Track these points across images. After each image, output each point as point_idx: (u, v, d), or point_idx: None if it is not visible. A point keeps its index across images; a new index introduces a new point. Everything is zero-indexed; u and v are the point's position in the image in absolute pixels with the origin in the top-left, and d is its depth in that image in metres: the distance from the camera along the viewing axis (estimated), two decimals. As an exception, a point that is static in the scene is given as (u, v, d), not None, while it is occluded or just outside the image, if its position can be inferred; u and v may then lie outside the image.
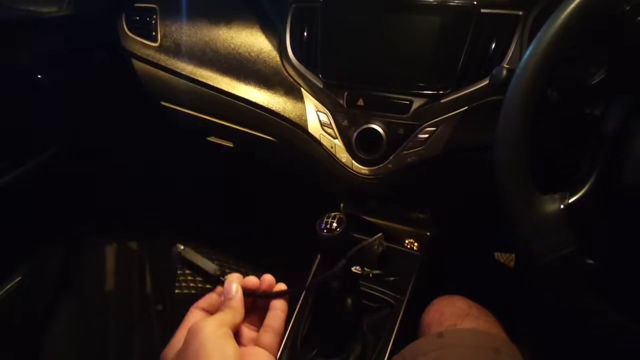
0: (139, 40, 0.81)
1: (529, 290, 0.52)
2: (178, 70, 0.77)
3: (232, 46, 0.73)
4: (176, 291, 1.11)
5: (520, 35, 0.54)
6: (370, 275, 0.69)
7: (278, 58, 0.70)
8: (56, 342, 0.89)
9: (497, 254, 1.01)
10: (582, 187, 0.38)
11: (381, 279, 0.69)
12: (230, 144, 0.86)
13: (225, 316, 0.37)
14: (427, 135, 0.60)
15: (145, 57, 0.81)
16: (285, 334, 0.64)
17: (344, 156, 0.65)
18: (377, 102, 0.62)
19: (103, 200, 1.07)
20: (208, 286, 0.43)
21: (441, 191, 0.70)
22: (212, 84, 0.74)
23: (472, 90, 0.57)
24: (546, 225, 0.38)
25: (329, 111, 0.65)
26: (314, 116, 0.66)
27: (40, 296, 0.91)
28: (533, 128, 0.38)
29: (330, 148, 0.66)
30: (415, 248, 0.76)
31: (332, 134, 0.65)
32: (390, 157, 0.62)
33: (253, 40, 0.72)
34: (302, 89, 0.68)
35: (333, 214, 0.53)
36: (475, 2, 0.55)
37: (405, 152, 0.61)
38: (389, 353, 0.60)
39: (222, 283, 0.41)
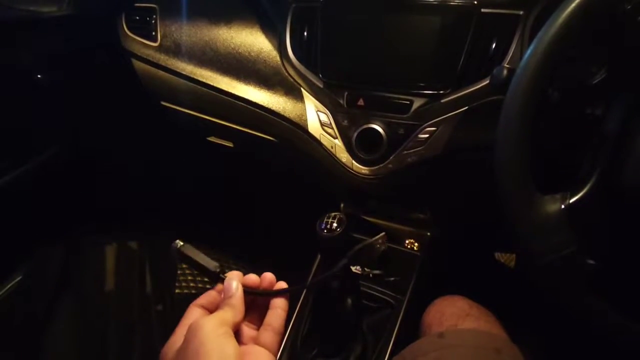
0: (139, 40, 0.81)
1: (529, 291, 0.52)
2: (178, 70, 0.77)
3: (232, 46, 0.73)
4: (176, 291, 1.11)
5: (520, 35, 0.54)
6: (371, 275, 0.69)
7: (278, 58, 0.70)
8: (56, 342, 0.89)
9: (497, 254, 1.01)
10: (583, 187, 0.38)
11: (381, 279, 0.69)
12: (230, 144, 0.86)
13: (225, 314, 0.37)
14: (427, 135, 0.59)
15: (145, 57, 0.80)
16: (285, 334, 0.64)
17: (344, 156, 0.65)
18: (378, 102, 0.62)
19: (103, 200, 1.07)
20: (208, 286, 0.43)
21: (441, 191, 0.70)
22: (212, 83, 0.74)
23: (472, 90, 0.57)
24: (547, 226, 0.38)
25: (329, 111, 0.65)
26: (314, 116, 0.66)
27: (40, 296, 0.91)
28: (534, 128, 0.38)
29: (330, 148, 0.66)
30: (415, 248, 0.76)
31: (332, 133, 0.65)
32: (391, 157, 0.62)
33: (253, 40, 0.72)
34: (302, 88, 0.67)
35: (333, 214, 0.53)
36: (475, 2, 0.55)
37: (405, 152, 0.61)
38: (389, 353, 0.60)
39: (222, 280, 0.41)
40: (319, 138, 0.66)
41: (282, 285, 0.42)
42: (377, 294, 0.68)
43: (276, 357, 0.39)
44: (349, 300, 0.56)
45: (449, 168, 0.62)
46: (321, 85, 0.66)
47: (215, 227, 1.16)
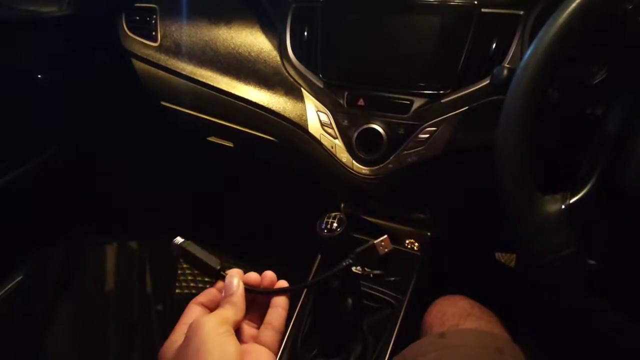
0: (139, 40, 0.81)
1: (530, 291, 0.52)
2: (178, 70, 0.77)
3: (232, 46, 0.73)
4: (176, 291, 1.11)
5: (521, 35, 0.54)
6: (371, 275, 0.69)
7: (278, 58, 0.70)
8: (56, 342, 0.89)
9: (497, 254, 1.01)
10: (583, 187, 0.38)
11: (382, 279, 0.69)
12: (230, 144, 0.86)
13: (226, 313, 0.36)
14: (427, 135, 0.59)
15: (145, 57, 0.80)
16: (286, 333, 0.64)
17: (344, 156, 0.65)
18: (378, 102, 0.62)
19: (103, 200, 1.07)
20: (209, 286, 0.43)
21: (442, 191, 0.70)
22: (212, 83, 0.74)
23: (472, 90, 0.57)
24: (547, 226, 0.38)
25: (329, 111, 0.65)
26: (314, 116, 0.66)
27: (40, 296, 0.91)
28: (534, 128, 0.38)
29: (330, 148, 0.66)
30: (415, 248, 0.76)
31: (333, 133, 0.65)
32: (391, 157, 0.62)
33: (253, 40, 0.72)
34: (302, 88, 0.67)
35: (333, 214, 0.53)
36: (475, 2, 0.55)
37: (405, 152, 0.61)
38: (390, 353, 0.60)
39: (222, 278, 0.41)
40: (319, 138, 0.66)
41: (283, 284, 0.42)
42: (377, 294, 0.68)
43: (276, 356, 0.39)
44: (350, 300, 0.56)
45: (449, 168, 0.62)
46: (321, 85, 0.66)
47: (215, 227, 1.16)
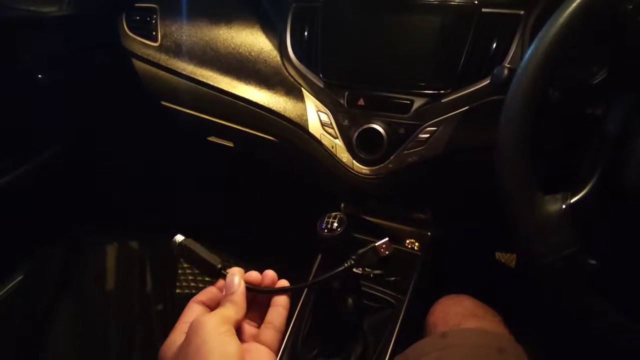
0: (139, 40, 0.81)
1: (530, 290, 0.52)
2: (178, 70, 0.77)
3: (233, 46, 0.73)
4: (177, 291, 1.11)
5: (521, 35, 0.54)
6: (371, 275, 0.69)
7: (278, 58, 0.70)
8: (56, 342, 0.89)
9: (497, 254, 1.01)
10: (584, 187, 0.38)
11: (382, 279, 0.69)
12: (230, 144, 0.86)
13: (227, 312, 0.36)
14: (427, 135, 0.59)
15: (145, 56, 0.80)
16: (287, 332, 0.64)
17: (344, 156, 0.65)
18: (378, 101, 0.62)
19: (103, 200, 1.07)
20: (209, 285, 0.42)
21: (442, 191, 0.70)
22: (212, 83, 0.74)
23: (473, 90, 0.57)
24: (548, 226, 0.38)
25: (330, 111, 0.65)
26: (315, 116, 0.66)
27: (40, 296, 0.91)
28: (534, 128, 0.38)
29: (331, 148, 0.66)
30: (416, 248, 0.76)
31: (333, 133, 0.65)
32: (391, 157, 0.62)
33: (253, 40, 0.72)
34: (302, 88, 0.67)
35: (334, 213, 0.52)
36: (476, 2, 0.55)
37: (406, 152, 0.61)
38: (390, 353, 0.60)
39: (223, 277, 0.40)
40: (319, 138, 0.66)
41: (284, 283, 0.42)
42: (378, 293, 0.68)
43: (277, 355, 0.39)
44: (350, 300, 0.56)
45: (450, 168, 0.62)
46: (322, 85, 0.66)
47: (216, 227, 1.16)
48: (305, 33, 0.66)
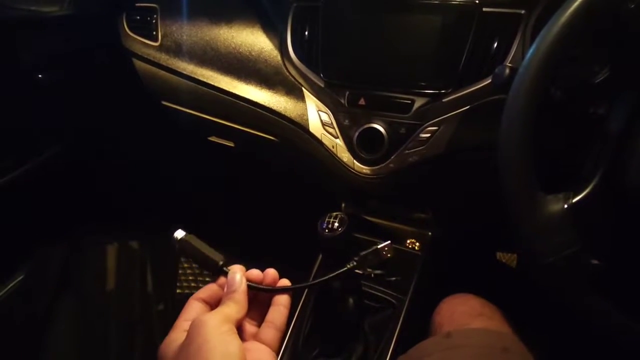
0: (139, 40, 0.81)
1: (532, 290, 0.52)
2: (179, 70, 0.77)
3: (233, 46, 0.73)
4: (177, 290, 1.11)
5: (522, 34, 0.54)
6: (372, 275, 0.69)
7: (279, 57, 0.70)
8: (57, 342, 0.89)
9: (498, 254, 1.01)
10: (586, 186, 0.38)
11: (383, 279, 0.69)
12: (231, 144, 0.86)
13: (228, 310, 0.36)
14: (428, 135, 0.59)
15: (146, 56, 0.80)
16: (287, 332, 0.64)
17: (345, 156, 0.65)
18: (379, 101, 0.62)
19: (103, 200, 1.07)
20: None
21: (443, 191, 0.70)
22: (213, 83, 0.74)
23: (474, 90, 0.57)
24: (550, 225, 0.38)
25: (330, 110, 0.65)
26: (315, 116, 0.66)
27: (41, 296, 0.91)
28: (536, 127, 0.38)
29: (331, 147, 0.66)
30: (417, 248, 0.76)
31: (334, 133, 0.65)
32: (392, 157, 0.62)
33: (254, 40, 0.72)
34: (303, 88, 0.67)
35: (335, 213, 0.52)
36: (477, 1, 0.55)
37: (406, 151, 0.61)
38: (391, 353, 0.59)
39: (224, 274, 0.40)
40: (320, 138, 0.66)
41: (285, 282, 0.42)
42: (378, 293, 0.68)
43: (277, 354, 0.39)
44: (351, 300, 0.56)
45: (451, 168, 0.62)
46: (322, 85, 0.65)
47: (216, 227, 1.16)
48: (306, 33, 0.66)
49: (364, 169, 0.64)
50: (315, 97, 0.66)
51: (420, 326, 0.63)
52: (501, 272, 0.99)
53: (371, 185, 0.66)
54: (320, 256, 0.72)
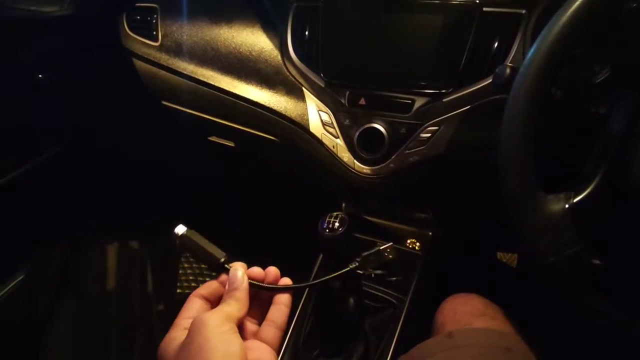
0: (139, 40, 0.81)
1: (532, 290, 0.51)
2: (179, 70, 0.77)
3: (233, 45, 0.73)
4: (178, 290, 1.11)
5: (523, 34, 0.54)
6: (373, 275, 0.69)
7: (279, 57, 0.70)
8: (57, 342, 0.89)
9: (499, 254, 1.01)
10: (587, 186, 0.38)
11: (383, 279, 0.69)
12: (231, 144, 0.86)
13: (230, 309, 0.36)
14: (429, 135, 0.59)
15: (146, 56, 0.80)
16: (288, 332, 0.64)
17: (345, 155, 0.65)
18: (379, 101, 0.62)
19: (103, 200, 1.07)
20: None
21: (443, 191, 0.70)
22: (213, 83, 0.74)
23: (474, 89, 0.57)
24: (551, 225, 0.38)
25: (331, 110, 0.65)
26: (316, 115, 0.66)
27: (41, 296, 0.91)
28: (537, 127, 0.38)
29: (332, 147, 0.65)
30: (417, 248, 0.76)
31: (334, 133, 0.65)
32: (392, 157, 0.62)
33: (254, 40, 0.72)
34: (303, 88, 0.67)
35: (335, 213, 0.52)
36: (477, 1, 0.55)
37: (407, 151, 0.61)
38: (392, 353, 0.59)
39: (226, 271, 0.40)
40: (320, 137, 0.66)
41: (287, 281, 0.42)
42: (379, 293, 0.68)
43: (278, 353, 0.38)
44: (351, 300, 0.56)
45: (451, 167, 0.62)
46: (323, 85, 0.65)
47: (216, 227, 1.16)
48: (306, 32, 0.66)
49: (365, 168, 0.64)
50: (316, 97, 0.66)
51: (420, 326, 0.63)
52: (501, 272, 0.99)
53: (371, 185, 0.66)
54: (321, 256, 0.72)
